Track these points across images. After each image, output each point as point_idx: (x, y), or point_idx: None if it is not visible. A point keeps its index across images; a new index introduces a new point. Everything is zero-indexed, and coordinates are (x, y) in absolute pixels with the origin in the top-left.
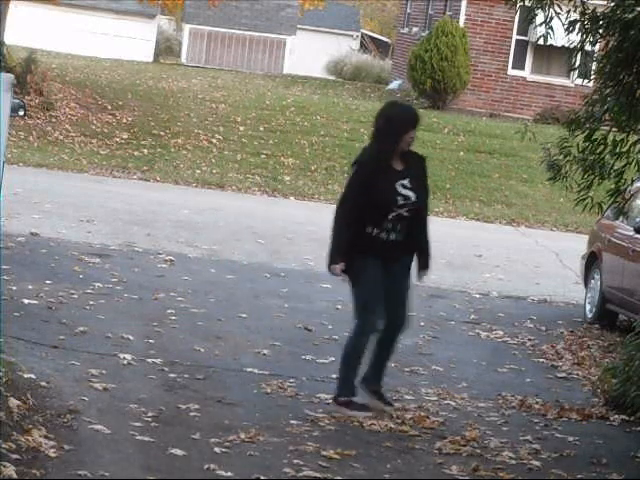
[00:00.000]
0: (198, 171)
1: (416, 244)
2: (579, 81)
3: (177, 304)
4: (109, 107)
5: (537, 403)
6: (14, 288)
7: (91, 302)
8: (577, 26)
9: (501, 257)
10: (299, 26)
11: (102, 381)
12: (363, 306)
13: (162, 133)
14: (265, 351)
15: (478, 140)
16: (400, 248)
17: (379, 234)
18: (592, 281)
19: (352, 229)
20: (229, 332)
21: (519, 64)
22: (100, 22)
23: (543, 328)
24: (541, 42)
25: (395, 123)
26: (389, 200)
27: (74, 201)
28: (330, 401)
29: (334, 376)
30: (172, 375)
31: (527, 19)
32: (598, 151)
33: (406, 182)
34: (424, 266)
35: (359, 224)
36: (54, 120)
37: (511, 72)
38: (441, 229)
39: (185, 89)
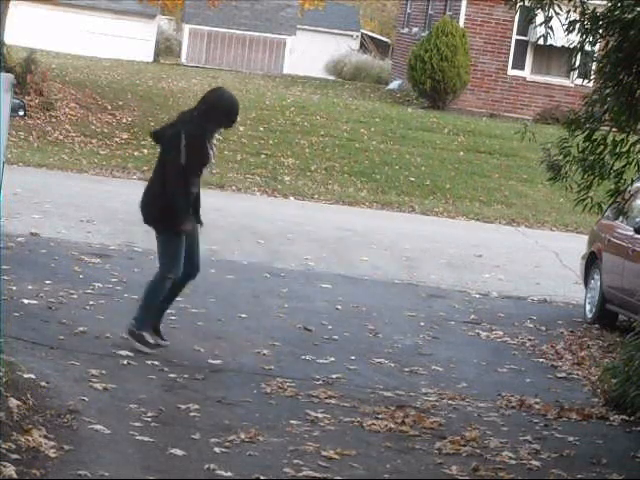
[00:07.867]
0: None
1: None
2: (579, 81)
3: (177, 304)
4: (109, 107)
5: (537, 403)
6: (14, 288)
7: (91, 302)
8: (577, 26)
9: (501, 257)
10: (299, 26)
11: (102, 381)
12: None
13: None
14: (265, 351)
15: (478, 140)
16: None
17: None
18: (592, 281)
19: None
20: (229, 332)
21: (519, 64)
22: (100, 22)
23: (543, 328)
24: (541, 42)
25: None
26: None
27: (74, 201)
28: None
29: (334, 376)
30: (172, 375)
31: (527, 19)
32: (598, 151)
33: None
34: None
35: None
36: (54, 120)
37: (511, 72)
38: (441, 229)
39: (185, 89)
